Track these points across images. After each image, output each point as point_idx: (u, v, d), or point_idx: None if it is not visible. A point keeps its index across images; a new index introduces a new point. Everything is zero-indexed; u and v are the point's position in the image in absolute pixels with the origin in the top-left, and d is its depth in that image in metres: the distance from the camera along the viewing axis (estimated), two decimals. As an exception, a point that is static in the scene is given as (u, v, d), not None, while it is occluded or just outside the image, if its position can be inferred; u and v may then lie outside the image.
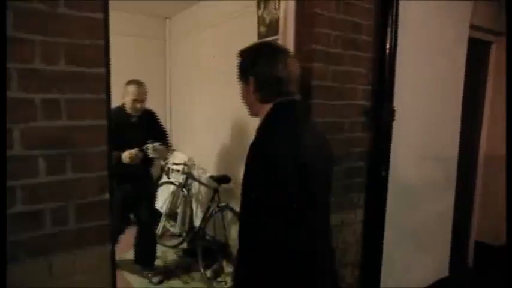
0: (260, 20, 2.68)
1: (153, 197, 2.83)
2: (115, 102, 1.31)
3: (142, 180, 2.62)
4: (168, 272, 2.80)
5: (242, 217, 1.05)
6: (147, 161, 2.56)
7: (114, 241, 2.28)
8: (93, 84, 1.07)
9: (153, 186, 2.84)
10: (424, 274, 2.38)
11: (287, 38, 1.68)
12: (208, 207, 2.91)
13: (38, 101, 0.98)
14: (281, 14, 1.71)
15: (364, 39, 1.77)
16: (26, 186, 0.97)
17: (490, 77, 3.02)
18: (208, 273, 2.72)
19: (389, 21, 1.71)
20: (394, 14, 1.72)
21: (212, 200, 2.86)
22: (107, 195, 1.11)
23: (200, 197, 3.49)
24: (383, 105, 1.81)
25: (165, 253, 3.12)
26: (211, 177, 2.95)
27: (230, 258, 2.84)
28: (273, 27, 2.57)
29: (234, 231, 2.87)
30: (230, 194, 2.91)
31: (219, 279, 2.70)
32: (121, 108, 2.48)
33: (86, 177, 1.07)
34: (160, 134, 2.64)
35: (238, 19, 3.01)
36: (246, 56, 1.14)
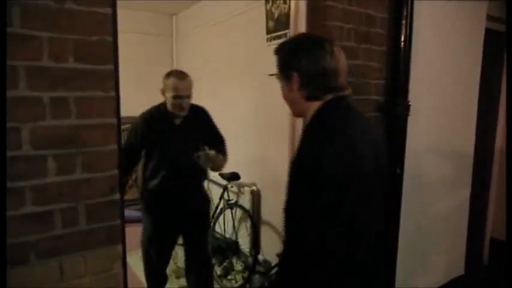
0: (268, 15, 2.64)
1: (206, 216, 2.19)
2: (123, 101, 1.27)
3: (192, 195, 2.03)
4: (178, 270, 2.80)
5: (289, 227, 0.94)
6: (199, 172, 2.04)
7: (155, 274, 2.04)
8: (102, 82, 1.05)
9: (206, 202, 2.18)
10: (440, 272, 2.33)
11: (298, 32, 1.63)
12: (218, 205, 2.89)
13: (46, 100, 0.96)
14: (292, 7, 1.67)
15: (378, 32, 1.71)
16: (35, 187, 0.95)
17: (505, 70, 2.93)
18: (218, 270, 2.71)
19: (404, 13, 1.65)
20: (409, 5, 1.66)
21: (221, 197, 2.84)
22: (117, 195, 1.08)
23: (209, 195, 3.48)
24: (397, 100, 1.75)
25: (175, 251, 3.11)
26: (221, 174, 2.92)
27: (240, 256, 2.82)
28: (281, 21, 2.53)
29: (243, 229, 2.85)
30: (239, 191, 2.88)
31: (229, 277, 2.69)
32: (161, 108, 1.95)
33: (96, 177, 1.05)
34: (214, 139, 2.04)
35: (245, 15, 2.97)
36: (287, 50, 1.02)
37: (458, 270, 2.50)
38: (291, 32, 1.75)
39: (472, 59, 2.33)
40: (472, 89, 2.38)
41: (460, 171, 2.40)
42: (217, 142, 2.04)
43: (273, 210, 2.71)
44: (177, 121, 1.94)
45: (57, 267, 0.99)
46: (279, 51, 1.04)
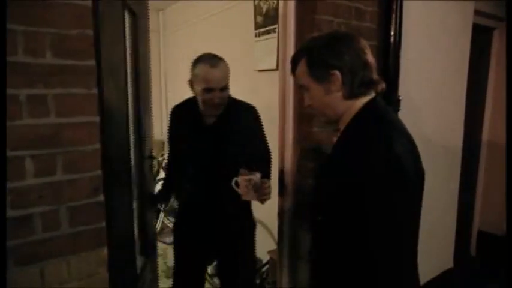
0: (257, 10, 2.60)
1: (246, 246, 1.69)
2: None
3: (226, 218, 1.55)
4: (168, 270, 2.76)
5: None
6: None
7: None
8: (83, 78, 1.00)
9: (247, 227, 1.70)
10: (429, 266, 2.34)
11: (287, 26, 1.60)
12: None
13: (23, 97, 0.91)
14: (281, 1, 1.63)
15: (367, 26, 1.69)
16: (12, 190, 0.90)
17: (492, 64, 2.96)
18: (209, 269, 2.67)
19: (394, 7, 1.64)
20: (398, -1, 1.65)
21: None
22: (101, 197, 1.04)
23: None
24: (388, 95, 1.74)
25: (165, 250, 3.07)
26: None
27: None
28: (269, 16, 2.50)
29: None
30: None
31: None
32: (191, 103, 1.54)
33: (78, 178, 1.00)
34: (256, 153, 1.54)
35: (233, 9, 2.93)
36: (321, 49, 0.91)
37: (448, 263, 2.53)
38: (279, 27, 1.71)
39: (460, 53, 2.34)
40: (460, 83, 2.39)
41: (448, 164, 2.42)
42: (260, 158, 1.54)
43: (263, 207, 2.68)
44: (209, 121, 1.51)
45: (39, 274, 0.94)
46: (308, 52, 0.93)
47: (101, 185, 1.04)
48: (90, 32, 0.99)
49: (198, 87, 1.44)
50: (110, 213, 1.09)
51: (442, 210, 2.42)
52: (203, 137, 1.49)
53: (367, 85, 0.91)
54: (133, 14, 1.60)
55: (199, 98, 1.47)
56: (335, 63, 0.89)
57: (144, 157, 1.78)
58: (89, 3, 0.98)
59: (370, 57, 0.92)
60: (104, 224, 1.05)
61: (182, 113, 1.58)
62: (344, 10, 1.60)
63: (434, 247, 2.38)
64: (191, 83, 1.49)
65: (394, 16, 1.65)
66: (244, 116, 1.56)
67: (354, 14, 1.64)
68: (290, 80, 1.64)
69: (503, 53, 2.89)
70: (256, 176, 1.33)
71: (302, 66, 0.95)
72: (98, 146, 1.03)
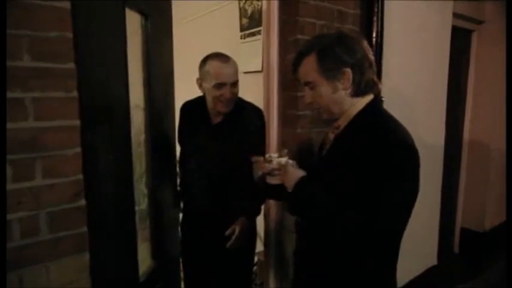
0: (242, 12, 2.61)
1: (245, 257, 1.66)
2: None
3: (226, 223, 1.53)
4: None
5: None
6: (243, 194, 1.47)
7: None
8: (62, 81, 0.98)
9: (251, 242, 1.68)
10: (414, 264, 2.39)
11: (271, 28, 1.61)
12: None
13: (0, 101, 0.89)
14: (264, 3, 1.64)
15: (350, 28, 1.72)
16: (-11, 196, 0.88)
17: (471, 66, 3.05)
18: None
19: (375, 9, 1.67)
20: (379, 1, 1.68)
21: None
22: (82, 201, 1.02)
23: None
24: (370, 96, 1.77)
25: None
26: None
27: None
28: (255, 18, 2.51)
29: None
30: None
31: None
32: (198, 102, 1.56)
33: (58, 182, 0.98)
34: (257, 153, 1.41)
35: (218, 12, 2.93)
36: (336, 46, 0.91)
37: (432, 260, 2.58)
38: (263, 29, 1.72)
39: (441, 55, 2.39)
40: (441, 84, 2.45)
41: (431, 162, 2.47)
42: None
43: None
44: (216, 120, 1.50)
45: (17, 282, 0.91)
46: (320, 49, 0.93)
47: (82, 189, 1.02)
48: (70, 34, 0.98)
49: (209, 84, 1.44)
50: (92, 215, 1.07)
51: (426, 208, 2.47)
52: (207, 135, 1.49)
53: (373, 84, 0.95)
54: (143, 15, 1.52)
55: (209, 96, 1.47)
56: (348, 60, 0.90)
57: (171, 159, 1.62)
58: (68, 5, 0.97)
59: (373, 58, 0.96)
60: (85, 229, 1.03)
61: (191, 110, 1.57)
62: (327, 12, 1.62)
63: (419, 245, 2.42)
64: (200, 82, 1.50)
65: (375, 18, 1.68)
66: (250, 117, 1.55)
67: (337, 16, 1.67)
68: (274, 81, 1.65)
69: (482, 55, 2.97)
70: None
71: (310, 63, 0.93)
72: (78, 150, 1.01)
